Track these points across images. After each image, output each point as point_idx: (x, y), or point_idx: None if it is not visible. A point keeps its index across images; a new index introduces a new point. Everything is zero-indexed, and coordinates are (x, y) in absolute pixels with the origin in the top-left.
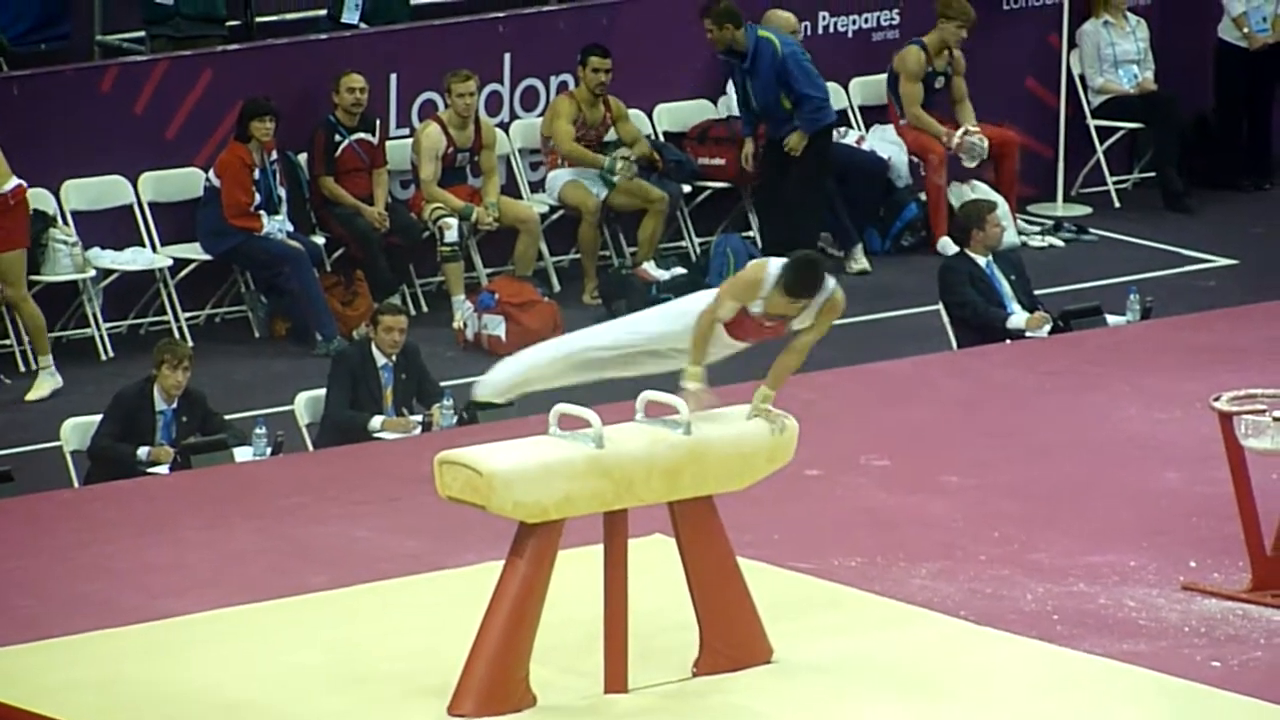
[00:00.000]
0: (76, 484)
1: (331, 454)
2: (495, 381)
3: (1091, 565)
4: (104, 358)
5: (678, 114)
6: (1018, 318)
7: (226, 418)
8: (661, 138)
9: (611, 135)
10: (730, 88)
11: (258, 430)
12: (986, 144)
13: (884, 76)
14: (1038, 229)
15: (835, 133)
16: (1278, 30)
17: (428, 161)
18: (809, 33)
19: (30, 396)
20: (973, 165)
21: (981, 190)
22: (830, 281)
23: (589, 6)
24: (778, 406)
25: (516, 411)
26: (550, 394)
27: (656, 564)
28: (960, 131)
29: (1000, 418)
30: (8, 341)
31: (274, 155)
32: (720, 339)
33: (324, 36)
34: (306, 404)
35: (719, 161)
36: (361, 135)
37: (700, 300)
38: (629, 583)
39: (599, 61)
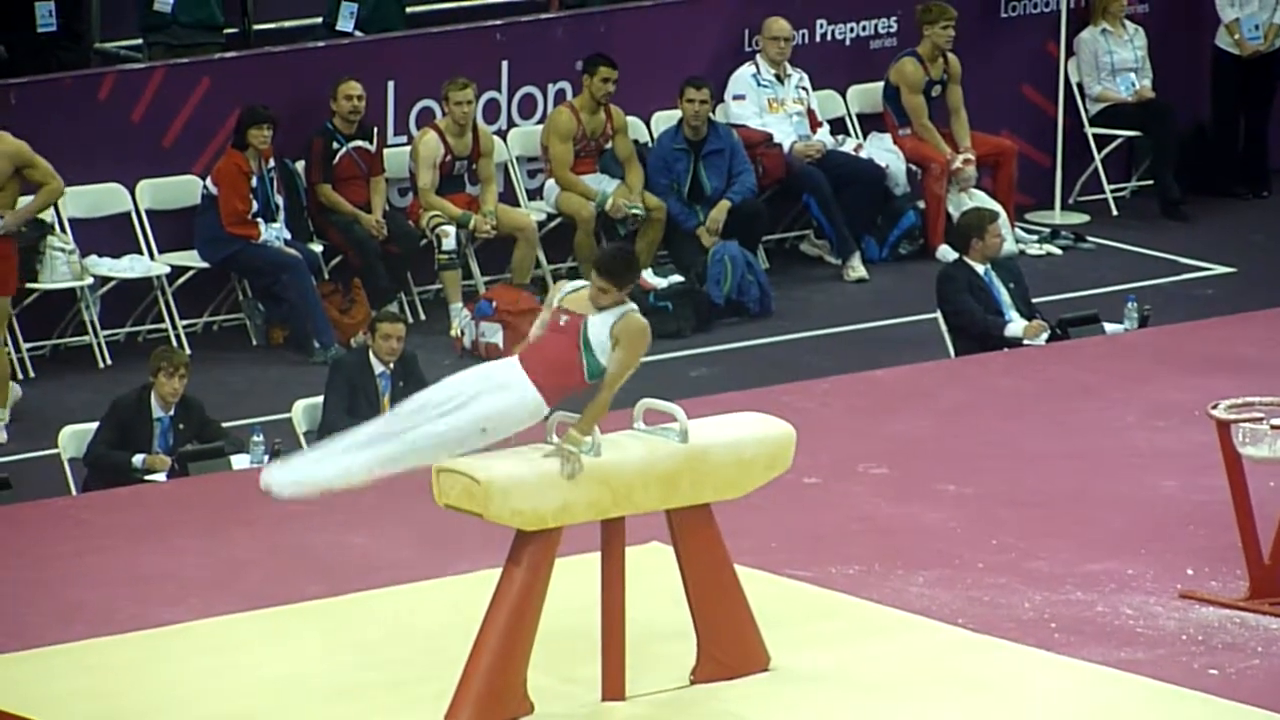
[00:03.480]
0: (74, 491)
1: None
2: (284, 480)
3: (1089, 573)
4: (101, 365)
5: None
6: (1015, 326)
7: (224, 425)
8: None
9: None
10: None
11: (255, 438)
12: (976, 175)
13: (880, 84)
14: (1035, 237)
15: (833, 140)
16: (1270, 38)
17: (425, 169)
18: (806, 40)
19: None
20: (959, 192)
21: (980, 198)
22: (631, 306)
23: (587, 14)
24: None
25: None
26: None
27: (654, 572)
28: (961, 158)
29: (998, 426)
30: (5, 349)
31: (271, 163)
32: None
33: (322, 44)
34: (304, 412)
35: None
36: (359, 143)
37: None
38: (626, 590)
39: (607, 71)
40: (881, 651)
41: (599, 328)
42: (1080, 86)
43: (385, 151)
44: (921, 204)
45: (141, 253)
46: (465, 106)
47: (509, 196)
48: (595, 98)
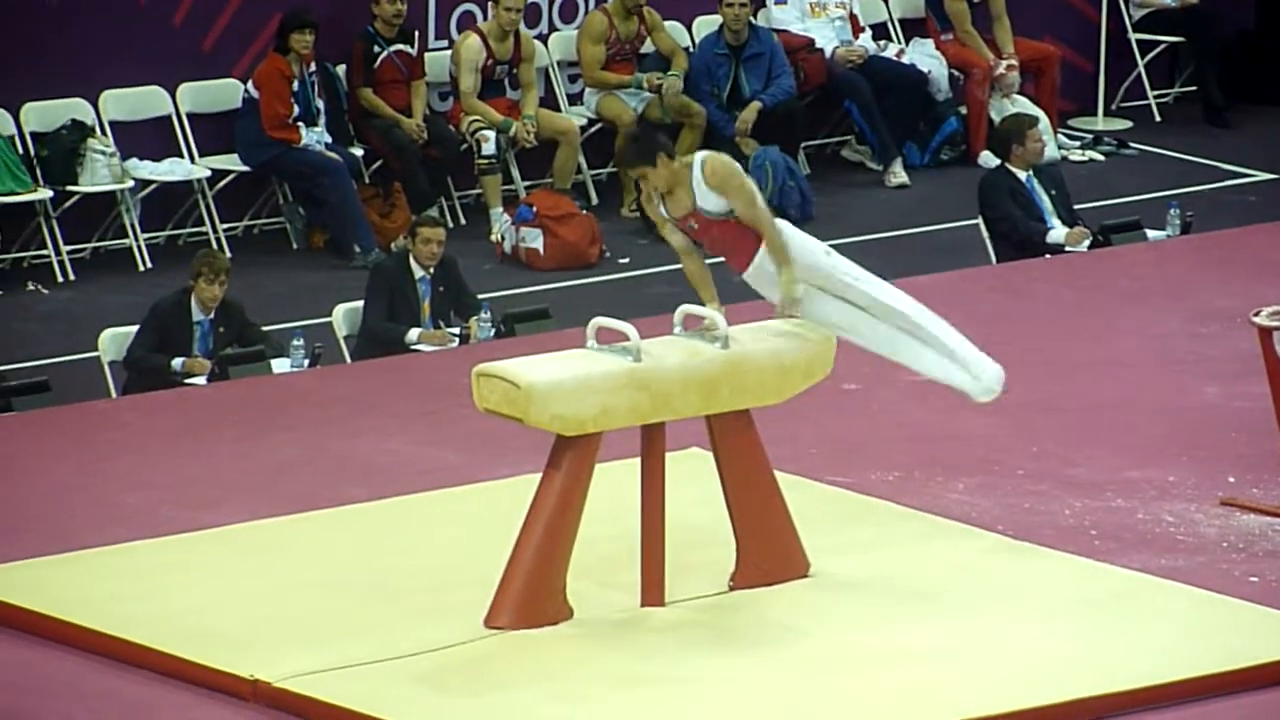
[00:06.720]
0: (114, 394)
1: (369, 366)
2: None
3: (1129, 480)
4: (142, 268)
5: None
6: (1057, 232)
7: (264, 329)
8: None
9: (649, 47)
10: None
11: (295, 342)
12: (1018, 81)
13: None
14: (1078, 143)
15: (875, 45)
16: None
17: (467, 74)
18: None
19: None
20: (1002, 97)
21: (1022, 104)
22: (697, 158)
23: None
24: None
25: (554, 325)
26: (587, 308)
27: (694, 477)
28: (1004, 64)
29: (1039, 332)
30: (45, 252)
31: (313, 67)
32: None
33: None
34: (344, 316)
35: None
36: (400, 47)
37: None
38: (666, 496)
39: None
40: (921, 558)
41: (703, 200)
42: None
43: (426, 55)
44: (964, 110)
45: (182, 156)
46: (513, 14)
47: (550, 101)
48: (625, 4)
